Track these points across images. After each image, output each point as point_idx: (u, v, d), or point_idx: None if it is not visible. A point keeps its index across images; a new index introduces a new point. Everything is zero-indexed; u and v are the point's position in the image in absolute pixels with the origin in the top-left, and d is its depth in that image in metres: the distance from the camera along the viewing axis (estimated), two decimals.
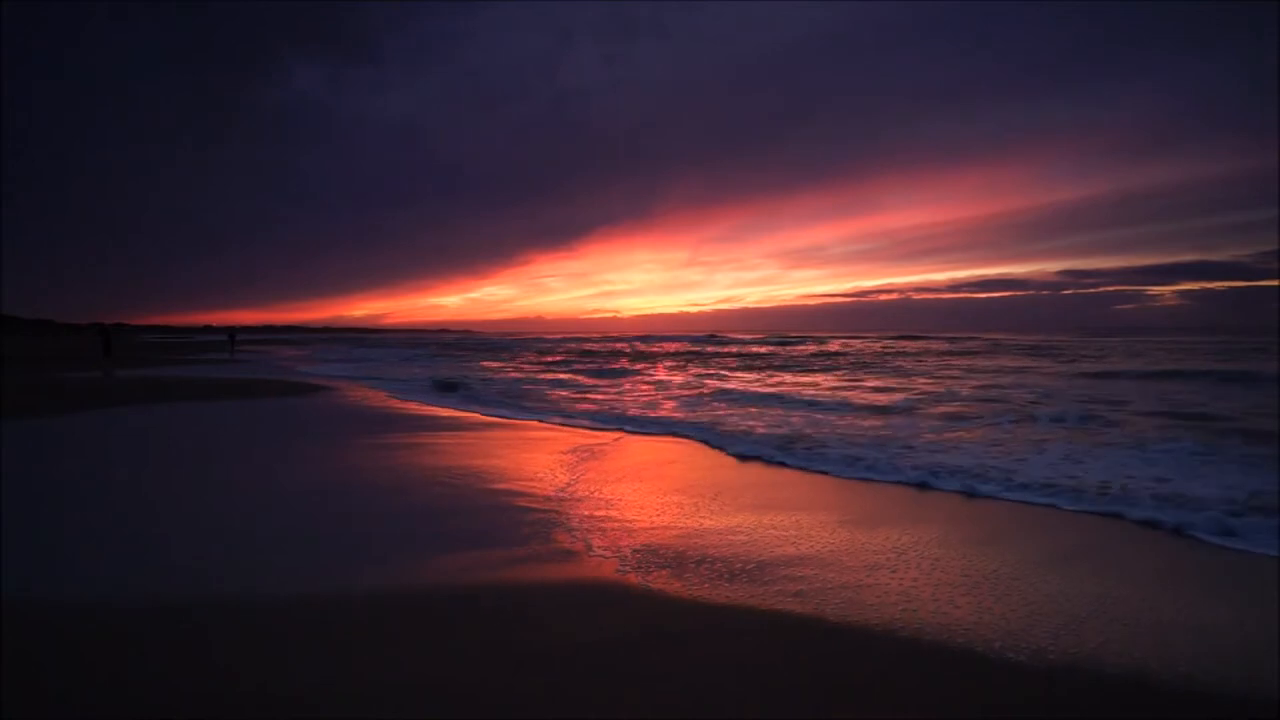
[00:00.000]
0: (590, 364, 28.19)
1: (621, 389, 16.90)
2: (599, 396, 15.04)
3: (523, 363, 30.62)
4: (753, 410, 12.18)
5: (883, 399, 13.76)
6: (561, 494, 5.93)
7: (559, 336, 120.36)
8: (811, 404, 13.03)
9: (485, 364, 29.79)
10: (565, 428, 10.41)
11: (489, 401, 14.07)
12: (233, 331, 49.01)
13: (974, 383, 17.20)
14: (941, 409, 12.04)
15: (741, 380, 19.15)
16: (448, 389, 16.57)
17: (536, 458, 7.74)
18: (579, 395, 15.65)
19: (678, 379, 20.14)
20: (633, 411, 12.12)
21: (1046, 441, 8.55)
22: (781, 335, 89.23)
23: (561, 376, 21.84)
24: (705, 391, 15.77)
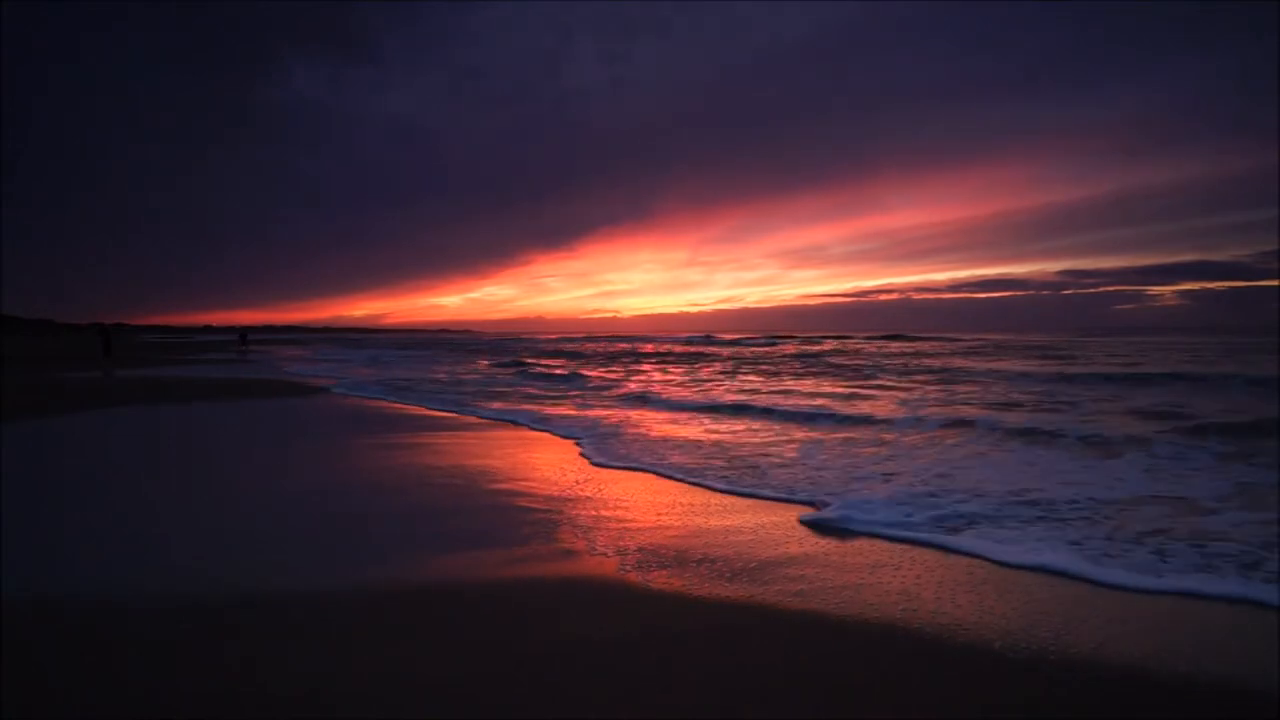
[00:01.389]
0: (554, 366, 27.71)
1: (558, 390, 16.82)
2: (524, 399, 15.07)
3: (496, 364, 30.08)
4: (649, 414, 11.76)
5: (833, 406, 12.55)
6: (566, 493, 5.94)
7: (556, 336, 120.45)
8: (713, 408, 12.35)
9: (442, 365, 29.45)
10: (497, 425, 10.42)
11: (426, 401, 14.30)
12: (244, 331, 48.48)
13: (935, 389, 16.12)
14: (881, 413, 11.25)
15: (676, 384, 18.54)
16: (394, 390, 16.91)
17: (536, 458, 7.75)
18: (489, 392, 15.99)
19: (619, 379, 20.00)
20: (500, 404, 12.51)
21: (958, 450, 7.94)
22: (774, 335, 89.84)
23: (508, 375, 22.13)
24: (631, 394, 15.37)
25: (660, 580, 3.89)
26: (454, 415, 11.79)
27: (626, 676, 2.77)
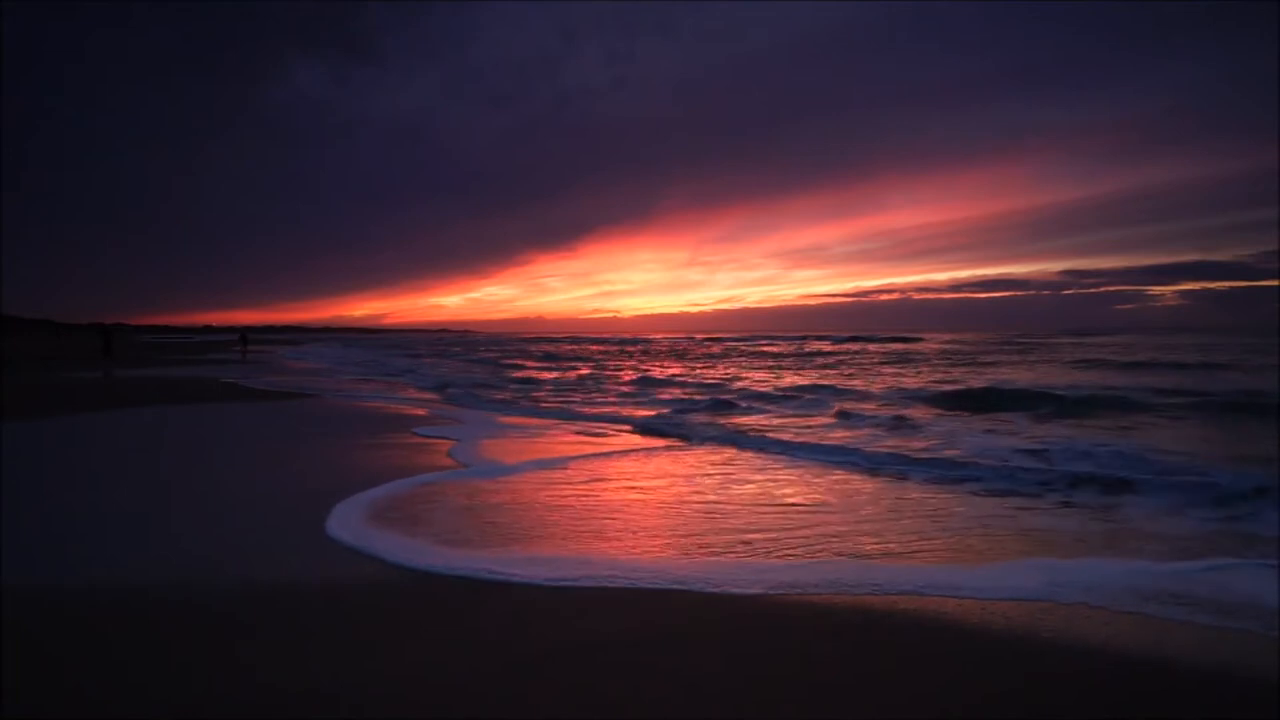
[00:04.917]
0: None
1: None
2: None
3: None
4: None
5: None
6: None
7: (555, 336, 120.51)
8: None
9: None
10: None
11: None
12: (244, 332, 46.55)
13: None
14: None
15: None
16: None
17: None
18: None
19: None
20: None
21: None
22: (766, 335, 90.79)
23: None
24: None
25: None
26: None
27: (627, 676, 2.77)
